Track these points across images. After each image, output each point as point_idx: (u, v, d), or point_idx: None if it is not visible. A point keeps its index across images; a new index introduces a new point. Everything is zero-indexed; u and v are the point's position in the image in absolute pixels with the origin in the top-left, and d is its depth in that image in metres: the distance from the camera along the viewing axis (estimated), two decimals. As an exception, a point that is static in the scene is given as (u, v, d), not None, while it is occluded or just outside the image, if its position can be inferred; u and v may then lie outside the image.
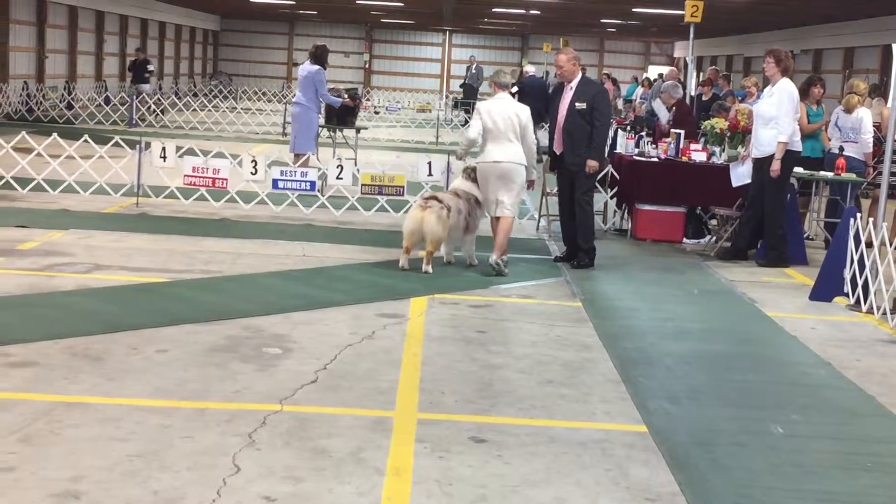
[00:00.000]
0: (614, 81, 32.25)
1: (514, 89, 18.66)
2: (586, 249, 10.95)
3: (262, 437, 5.50)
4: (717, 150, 13.01)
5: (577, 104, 10.70)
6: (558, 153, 11.00)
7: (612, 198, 13.71)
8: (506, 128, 10.16)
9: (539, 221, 13.55)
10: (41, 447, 5.17)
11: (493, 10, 35.22)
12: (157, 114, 28.42)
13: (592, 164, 10.72)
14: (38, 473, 4.85)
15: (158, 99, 30.43)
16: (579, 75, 10.89)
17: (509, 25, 45.35)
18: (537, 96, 20.36)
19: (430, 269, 10.08)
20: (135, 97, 27.97)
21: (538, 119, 14.83)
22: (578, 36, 46.55)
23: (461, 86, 38.66)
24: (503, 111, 10.22)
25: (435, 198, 10.22)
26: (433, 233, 10.00)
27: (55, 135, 14.57)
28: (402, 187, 13.59)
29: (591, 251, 11.00)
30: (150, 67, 30.50)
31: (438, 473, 5.16)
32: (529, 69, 27.25)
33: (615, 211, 13.76)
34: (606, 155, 12.53)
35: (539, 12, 34.60)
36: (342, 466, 5.17)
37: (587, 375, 7.07)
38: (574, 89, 10.80)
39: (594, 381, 6.95)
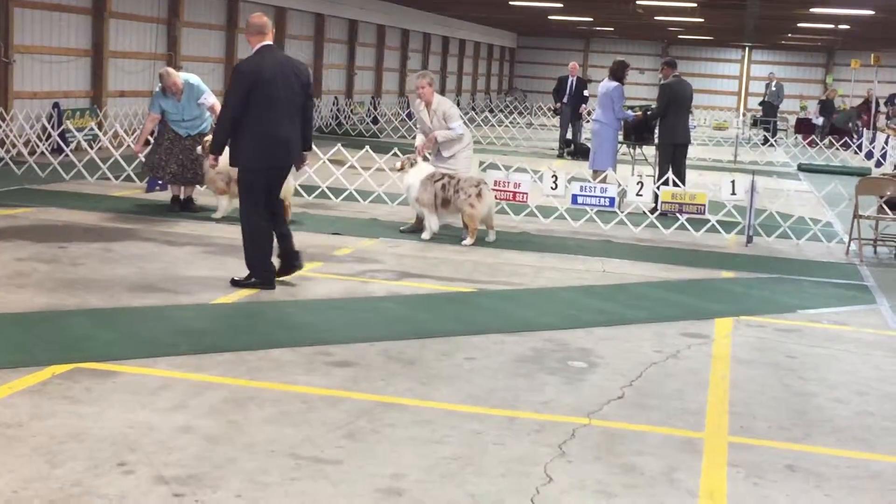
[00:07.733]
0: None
1: None
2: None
3: (572, 449, 5.53)
4: None
5: None
6: None
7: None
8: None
9: (849, 245, 12.91)
10: (365, 444, 5.43)
11: (798, 25, 33.95)
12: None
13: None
14: (364, 468, 5.10)
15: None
16: None
17: (814, 41, 43.56)
18: None
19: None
20: None
21: None
22: (893, 51, 44.02)
23: (760, 103, 37.53)
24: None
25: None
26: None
27: (367, 148, 15.32)
28: (704, 206, 13.37)
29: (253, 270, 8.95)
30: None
31: (754, 501, 5.01)
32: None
33: None
34: None
35: (849, 27, 33.03)
36: (654, 486, 5.11)
37: (910, 410, 6.67)
38: None
39: (918, 416, 6.55)
